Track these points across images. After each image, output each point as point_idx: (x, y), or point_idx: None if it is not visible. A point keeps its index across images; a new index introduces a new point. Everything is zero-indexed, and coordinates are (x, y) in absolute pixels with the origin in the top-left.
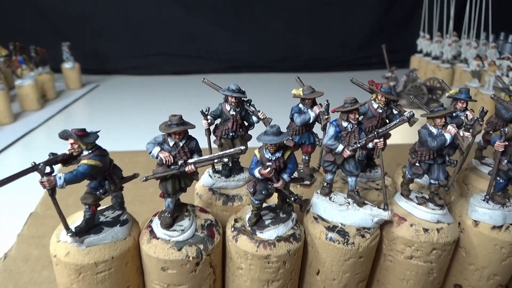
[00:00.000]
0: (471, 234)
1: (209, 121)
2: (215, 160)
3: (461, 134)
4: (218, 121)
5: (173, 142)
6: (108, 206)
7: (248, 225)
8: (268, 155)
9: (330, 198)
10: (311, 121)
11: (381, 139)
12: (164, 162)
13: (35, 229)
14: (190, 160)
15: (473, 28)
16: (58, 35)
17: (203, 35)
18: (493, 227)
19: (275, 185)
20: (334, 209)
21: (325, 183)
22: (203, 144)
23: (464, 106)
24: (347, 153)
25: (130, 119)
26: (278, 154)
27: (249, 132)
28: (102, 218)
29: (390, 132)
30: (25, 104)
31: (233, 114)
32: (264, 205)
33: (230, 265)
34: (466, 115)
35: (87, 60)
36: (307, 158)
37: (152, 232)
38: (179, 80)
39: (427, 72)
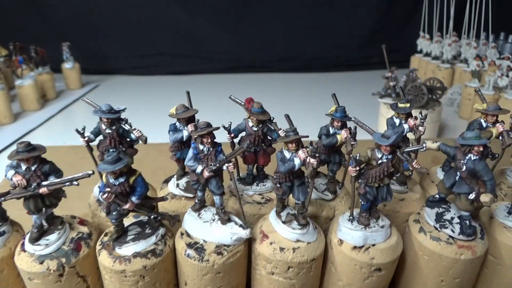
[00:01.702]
0: (336, 252)
1: (86, 138)
2: (67, 184)
3: (308, 160)
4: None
5: (25, 167)
6: None
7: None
8: (112, 180)
9: (198, 215)
10: (184, 139)
11: (231, 163)
12: (17, 185)
13: None
14: (43, 183)
15: (473, 28)
16: (58, 35)
17: (203, 35)
18: (353, 247)
19: (124, 206)
20: (198, 226)
21: (196, 200)
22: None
23: (339, 124)
24: (206, 173)
25: (130, 119)
26: (121, 179)
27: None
28: None
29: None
30: (25, 104)
31: (109, 132)
32: (134, 220)
33: (101, 275)
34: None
35: (87, 60)
36: None
37: (23, 244)
38: (179, 80)
39: (427, 72)
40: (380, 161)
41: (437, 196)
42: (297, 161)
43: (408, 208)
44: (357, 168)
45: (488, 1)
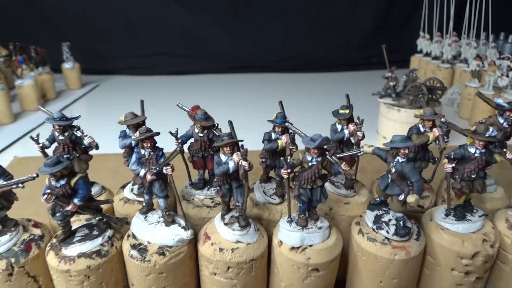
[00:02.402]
0: (276, 253)
1: (40, 145)
2: (13, 186)
3: (241, 163)
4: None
5: None
6: None
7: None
8: (53, 182)
9: (145, 217)
10: (133, 145)
11: (169, 166)
12: None
13: None
14: None
15: (473, 28)
16: (58, 35)
17: (203, 35)
18: (291, 248)
19: (66, 208)
20: (144, 228)
21: (144, 203)
22: None
23: (280, 130)
24: (148, 177)
25: None
26: (62, 182)
27: None
28: None
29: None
30: (25, 104)
31: (61, 139)
32: (86, 222)
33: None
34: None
35: (87, 60)
36: None
37: None
38: (179, 80)
39: (427, 72)
40: (310, 164)
41: (378, 199)
42: (231, 164)
43: (353, 212)
44: (289, 171)
45: (488, 1)
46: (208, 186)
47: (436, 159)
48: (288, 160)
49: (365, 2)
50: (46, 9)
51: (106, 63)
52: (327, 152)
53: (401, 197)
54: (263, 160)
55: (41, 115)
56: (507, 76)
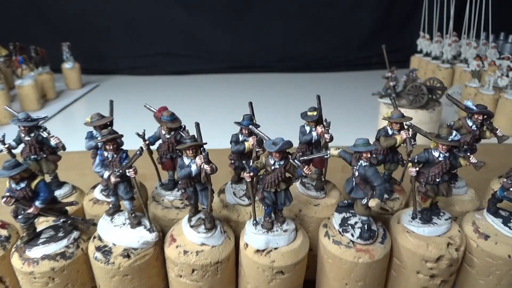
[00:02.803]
0: (242, 255)
1: (6, 145)
2: None
3: (202, 166)
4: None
5: None
6: None
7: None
8: (13, 185)
9: (111, 219)
10: (99, 146)
11: (131, 169)
12: None
13: None
14: None
15: (473, 28)
16: (58, 35)
17: (203, 35)
18: (256, 251)
19: (28, 211)
20: (110, 229)
21: (110, 205)
22: None
23: (247, 132)
24: (112, 179)
25: (130, 119)
26: (22, 184)
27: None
28: None
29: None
30: (25, 104)
31: (27, 140)
32: (53, 224)
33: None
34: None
35: (87, 60)
36: None
37: None
38: (179, 80)
39: (427, 72)
40: (273, 167)
41: (345, 201)
42: (193, 167)
43: (322, 213)
44: (251, 174)
45: (488, 1)
46: (178, 188)
47: (405, 161)
48: (251, 163)
49: (365, 2)
50: (46, 9)
51: (106, 63)
52: (290, 156)
53: (364, 201)
54: (232, 161)
55: (41, 115)
56: (507, 76)
